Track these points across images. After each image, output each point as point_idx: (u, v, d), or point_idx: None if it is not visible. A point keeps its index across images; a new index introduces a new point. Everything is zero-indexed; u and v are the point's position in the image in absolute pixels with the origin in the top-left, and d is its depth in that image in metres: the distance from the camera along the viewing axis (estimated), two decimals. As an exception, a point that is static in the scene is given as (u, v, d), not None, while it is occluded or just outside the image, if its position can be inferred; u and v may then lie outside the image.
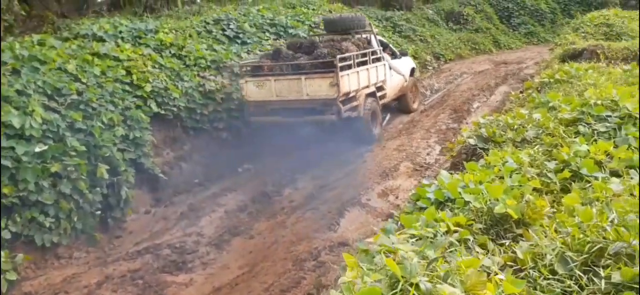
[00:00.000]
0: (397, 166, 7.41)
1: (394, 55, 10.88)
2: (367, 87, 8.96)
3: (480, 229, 2.78)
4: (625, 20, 10.95)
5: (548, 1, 23.85)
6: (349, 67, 8.32)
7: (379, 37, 10.61)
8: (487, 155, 4.28)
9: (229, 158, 8.30)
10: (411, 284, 1.79)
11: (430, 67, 16.87)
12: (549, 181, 3.44)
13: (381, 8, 21.36)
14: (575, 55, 8.65)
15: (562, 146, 4.00)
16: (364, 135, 8.81)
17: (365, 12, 18.09)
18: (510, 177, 3.53)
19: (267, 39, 12.26)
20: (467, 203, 3.03)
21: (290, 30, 13.08)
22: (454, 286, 1.82)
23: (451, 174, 3.95)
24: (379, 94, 9.43)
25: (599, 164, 3.46)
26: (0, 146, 5.31)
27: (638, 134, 3.45)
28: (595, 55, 8.24)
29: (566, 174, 3.37)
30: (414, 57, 14.30)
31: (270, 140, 8.86)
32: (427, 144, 8.49)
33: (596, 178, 3.27)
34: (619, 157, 3.39)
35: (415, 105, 11.61)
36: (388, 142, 8.77)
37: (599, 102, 4.27)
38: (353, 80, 8.40)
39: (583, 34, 10.62)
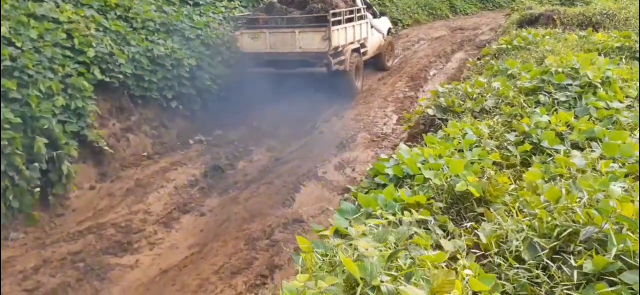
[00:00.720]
0: (354, 137, 7.18)
1: (374, 15, 11.16)
2: (353, 42, 9.28)
3: (440, 207, 2.60)
4: (579, -14, 11.02)
5: (504, -33, 23.91)
6: (339, 22, 8.63)
7: None
8: (446, 126, 4.12)
9: (180, 129, 7.83)
10: (372, 288, 1.55)
11: (389, 33, 16.60)
12: (509, 154, 3.30)
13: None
14: (532, 21, 8.61)
15: (522, 116, 3.87)
16: (348, 88, 9.21)
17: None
18: (470, 150, 3.37)
19: (221, 0, 11.60)
20: (426, 180, 2.83)
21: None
22: (418, 286, 1.60)
23: (410, 146, 3.78)
24: (361, 50, 9.79)
25: (560, 136, 3.34)
26: (0, 136, 5.01)
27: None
28: (551, 20, 8.21)
29: (527, 146, 3.24)
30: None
31: (225, 108, 8.44)
32: (384, 113, 8.30)
33: (557, 151, 3.15)
34: (580, 129, 3.27)
35: (389, 63, 12.02)
36: (345, 112, 8.51)
37: (559, 70, 4.14)
38: (341, 36, 8.74)
39: (539, -1, 10.63)
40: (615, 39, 6.10)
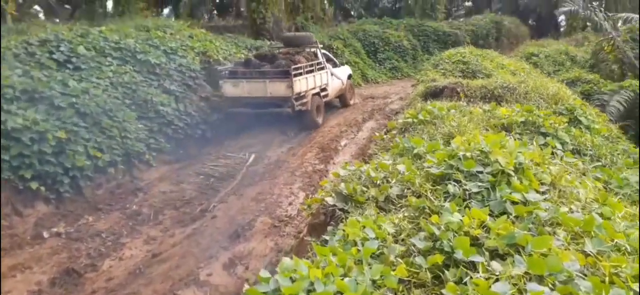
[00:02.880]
0: (252, 222, 6.26)
1: (335, 65, 14.36)
2: (314, 88, 12.14)
3: None
4: (479, 58, 11.41)
5: (409, 38, 25.16)
6: (300, 74, 11.36)
7: (323, 51, 14.00)
8: (346, 222, 3.45)
9: (40, 216, 6.48)
10: None
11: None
12: (418, 269, 2.64)
13: (252, 37, 20.43)
14: (436, 93, 8.52)
15: (430, 212, 3.30)
16: (310, 123, 12.01)
17: (234, 41, 17.16)
18: (370, 266, 2.69)
19: (109, 65, 10.48)
20: (307, 326, 2.06)
21: (140, 56, 11.43)
22: None
23: (314, 240, 3.05)
24: (322, 93, 12.76)
25: (476, 241, 2.76)
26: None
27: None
28: (455, 93, 8.15)
29: (438, 258, 2.60)
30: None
31: (100, 189, 7.22)
32: (291, 191, 7.54)
33: (474, 265, 2.55)
34: (498, 233, 2.72)
35: (352, 102, 15.48)
36: (246, 189, 7.62)
37: (468, 154, 3.67)
38: (303, 84, 11.49)
39: (443, 71, 10.77)
40: (518, 113, 5.98)
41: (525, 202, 3.13)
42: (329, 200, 4.09)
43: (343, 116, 13.96)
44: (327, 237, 3.32)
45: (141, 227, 6.23)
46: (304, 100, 11.50)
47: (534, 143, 4.28)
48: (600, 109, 8.08)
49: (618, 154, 5.43)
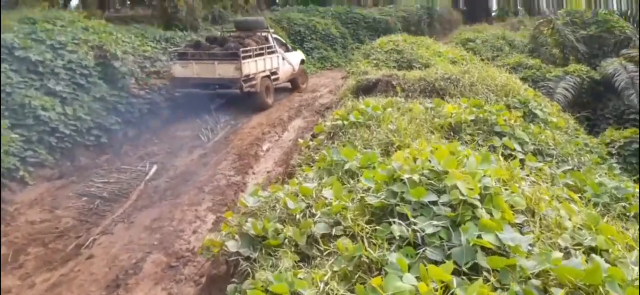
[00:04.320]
0: (140, 263, 5.02)
1: (287, 50, 15.39)
2: (263, 71, 13.13)
3: None
4: (414, 46, 10.82)
5: (338, 26, 24.44)
6: (249, 56, 12.39)
7: (275, 36, 15.09)
8: (254, 274, 2.53)
9: None
10: None
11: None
12: None
13: (162, 27, 18.63)
14: (369, 87, 7.73)
15: (370, 266, 2.40)
16: (260, 103, 13.01)
17: (141, 32, 15.58)
18: None
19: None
20: None
21: (18, 52, 9.94)
22: None
23: None
24: (273, 77, 13.84)
25: (441, 325, 1.88)
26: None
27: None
28: (390, 86, 7.38)
29: None
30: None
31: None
32: (196, 214, 6.37)
33: None
34: (472, 309, 1.84)
35: (303, 86, 16.33)
36: (139, 215, 6.34)
37: (414, 177, 2.78)
38: (252, 66, 12.50)
39: (375, 61, 10.04)
40: (467, 109, 5.27)
41: (501, 247, 2.29)
42: (230, 245, 3.08)
43: (266, 114, 12.89)
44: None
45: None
46: (253, 82, 12.51)
47: (499, 155, 3.48)
48: (548, 97, 7.67)
49: (581, 151, 4.87)
